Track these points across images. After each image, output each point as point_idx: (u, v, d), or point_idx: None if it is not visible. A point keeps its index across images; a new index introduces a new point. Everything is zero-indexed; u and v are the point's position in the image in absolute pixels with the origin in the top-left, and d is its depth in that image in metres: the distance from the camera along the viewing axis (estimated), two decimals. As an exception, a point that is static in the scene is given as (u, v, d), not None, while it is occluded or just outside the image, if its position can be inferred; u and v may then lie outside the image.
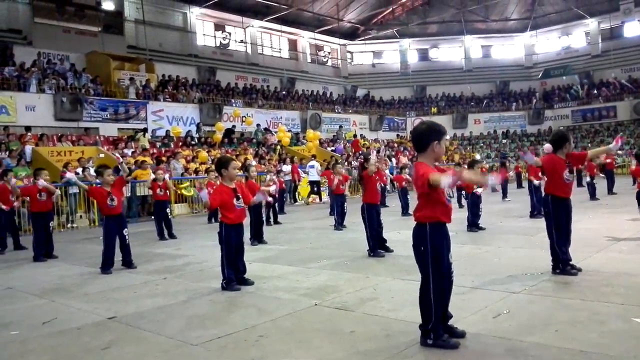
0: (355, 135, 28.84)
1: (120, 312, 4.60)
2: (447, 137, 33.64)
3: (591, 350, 3.10)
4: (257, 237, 8.61)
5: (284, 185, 14.44)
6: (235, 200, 5.32)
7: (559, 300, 4.23)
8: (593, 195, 13.03)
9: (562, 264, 5.09)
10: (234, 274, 5.35)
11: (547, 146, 5.42)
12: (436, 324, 3.28)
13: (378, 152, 13.10)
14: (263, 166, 18.21)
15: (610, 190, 14.11)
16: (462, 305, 4.21)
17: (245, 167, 9.26)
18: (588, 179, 13.54)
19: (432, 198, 3.28)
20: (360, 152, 25.21)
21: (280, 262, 6.80)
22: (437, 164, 3.46)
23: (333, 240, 8.68)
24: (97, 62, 22.80)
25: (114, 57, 23.47)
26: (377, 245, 6.85)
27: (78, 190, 13.10)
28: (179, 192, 15.18)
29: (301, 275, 5.82)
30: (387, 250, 6.99)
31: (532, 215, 10.05)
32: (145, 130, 20.03)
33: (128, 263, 6.87)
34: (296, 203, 18.03)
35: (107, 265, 6.60)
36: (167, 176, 11.00)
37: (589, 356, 3.02)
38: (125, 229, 6.90)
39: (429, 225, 3.29)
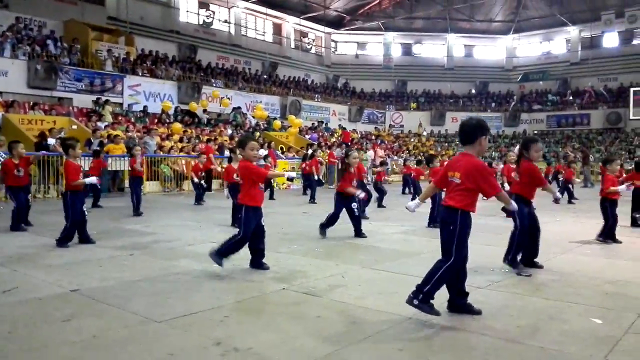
0: (343, 128, 28.92)
1: (83, 285, 4.51)
2: (425, 133, 33.97)
3: (551, 347, 3.17)
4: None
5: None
6: None
7: (523, 298, 4.31)
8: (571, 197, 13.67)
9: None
10: None
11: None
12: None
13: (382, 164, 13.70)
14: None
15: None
16: (429, 297, 4.26)
17: (232, 150, 9.55)
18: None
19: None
20: (349, 142, 25.23)
21: (251, 245, 6.75)
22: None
23: (305, 226, 8.67)
24: (75, 31, 22.19)
25: (93, 27, 22.87)
26: (328, 226, 7.30)
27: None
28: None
29: (271, 259, 5.78)
30: (361, 236, 7.33)
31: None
32: (107, 101, 19.51)
33: (86, 239, 6.69)
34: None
35: (66, 240, 6.43)
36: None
37: (549, 353, 3.09)
38: (85, 205, 6.77)
39: (460, 212, 3.65)
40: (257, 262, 5.26)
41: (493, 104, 37.57)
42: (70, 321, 3.58)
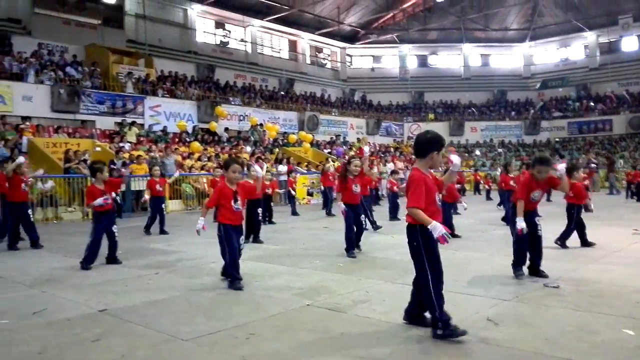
0: (359, 141, 28.90)
1: (111, 305, 4.58)
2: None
3: (581, 359, 3.12)
4: (254, 237, 8.62)
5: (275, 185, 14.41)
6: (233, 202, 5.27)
7: (550, 309, 4.24)
8: None
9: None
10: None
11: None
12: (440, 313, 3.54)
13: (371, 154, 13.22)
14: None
15: None
16: (453, 310, 4.21)
17: (247, 167, 9.46)
18: None
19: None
20: (362, 156, 25.21)
21: (273, 261, 6.79)
22: (432, 170, 3.78)
23: (325, 241, 8.68)
24: (96, 55, 22.74)
25: (113, 50, 23.40)
26: (352, 245, 7.06)
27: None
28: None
29: (293, 275, 5.82)
30: (358, 248, 7.29)
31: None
32: (133, 123, 19.86)
33: (113, 259, 6.74)
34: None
35: (89, 261, 6.46)
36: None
37: (579, 365, 3.03)
38: (115, 226, 6.79)
39: (419, 227, 3.58)
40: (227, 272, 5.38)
41: (512, 113, 37.23)
42: (99, 341, 3.63)
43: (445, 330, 3.49)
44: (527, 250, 5.41)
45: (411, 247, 3.67)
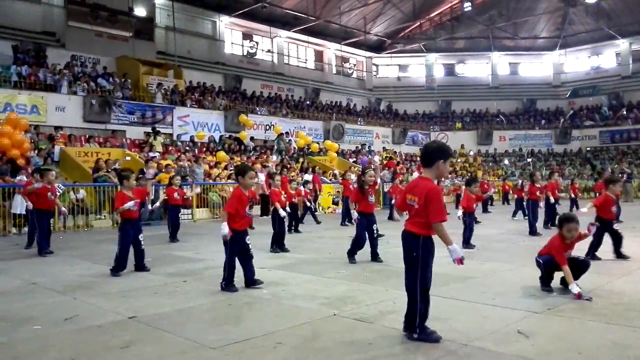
0: (389, 156, 28.87)
1: (140, 312, 4.64)
2: (472, 153, 33.47)
3: (616, 375, 3.02)
4: (280, 245, 8.66)
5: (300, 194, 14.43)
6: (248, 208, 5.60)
7: (583, 323, 4.13)
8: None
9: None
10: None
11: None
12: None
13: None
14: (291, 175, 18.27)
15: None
16: (483, 323, 4.16)
17: (270, 176, 9.72)
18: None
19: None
20: (394, 168, 25.12)
21: (299, 270, 6.80)
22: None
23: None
24: (127, 66, 23.28)
25: (144, 62, 23.93)
26: (356, 252, 7.33)
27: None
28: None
29: (320, 284, 5.81)
30: (377, 260, 7.30)
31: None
32: (158, 132, 20.09)
33: (141, 267, 6.83)
34: (316, 212, 17.99)
35: (119, 268, 6.57)
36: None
37: (614, 381, 2.94)
38: (141, 234, 6.88)
39: (422, 238, 3.67)
40: (249, 280, 5.60)
41: (542, 121, 36.61)
42: (129, 348, 3.68)
43: (422, 334, 3.63)
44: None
45: (408, 255, 3.72)
